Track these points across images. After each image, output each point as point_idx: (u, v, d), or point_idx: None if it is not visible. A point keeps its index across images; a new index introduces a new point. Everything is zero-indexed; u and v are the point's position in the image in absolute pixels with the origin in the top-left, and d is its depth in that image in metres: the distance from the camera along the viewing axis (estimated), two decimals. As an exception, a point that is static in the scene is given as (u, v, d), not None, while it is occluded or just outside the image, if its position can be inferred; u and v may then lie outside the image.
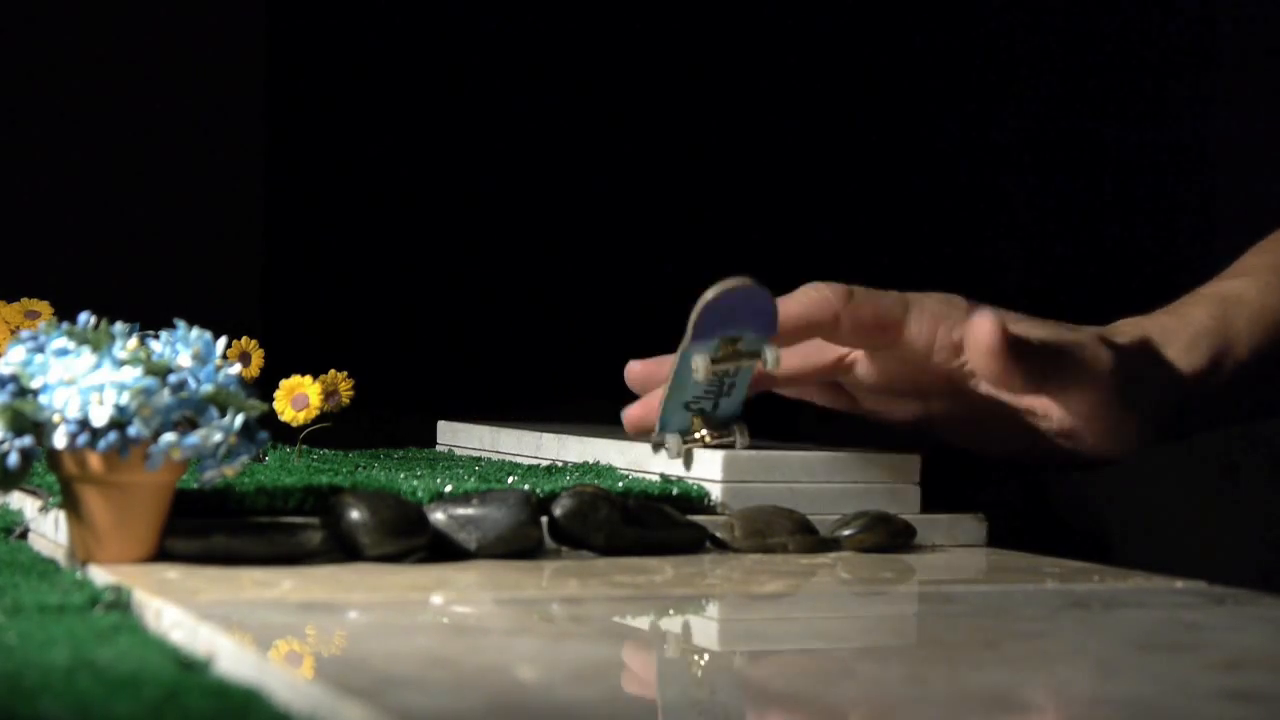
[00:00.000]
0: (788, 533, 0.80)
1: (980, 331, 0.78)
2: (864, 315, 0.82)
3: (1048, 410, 0.84)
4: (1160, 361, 0.88)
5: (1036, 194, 1.65)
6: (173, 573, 0.67)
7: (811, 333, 0.82)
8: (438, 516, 0.74)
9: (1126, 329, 0.89)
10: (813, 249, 1.66)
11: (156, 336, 0.69)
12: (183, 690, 0.48)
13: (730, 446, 0.83)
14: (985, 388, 0.85)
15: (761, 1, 1.71)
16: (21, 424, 0.65)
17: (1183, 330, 0.89)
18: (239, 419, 0.67)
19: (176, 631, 0.59)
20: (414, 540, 0.73)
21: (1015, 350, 0.79)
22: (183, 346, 0.68)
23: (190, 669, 0.52)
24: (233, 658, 0.54)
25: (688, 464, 0.84)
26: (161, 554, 0.69)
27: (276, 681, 0.51)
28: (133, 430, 0.65)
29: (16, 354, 0.67)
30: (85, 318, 0.69)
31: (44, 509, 0.76)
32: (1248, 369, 0.90)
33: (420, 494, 0.77)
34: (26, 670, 0.50)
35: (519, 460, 0.98)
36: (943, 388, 0.87)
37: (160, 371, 0.67)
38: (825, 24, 1.68)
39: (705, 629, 0.67)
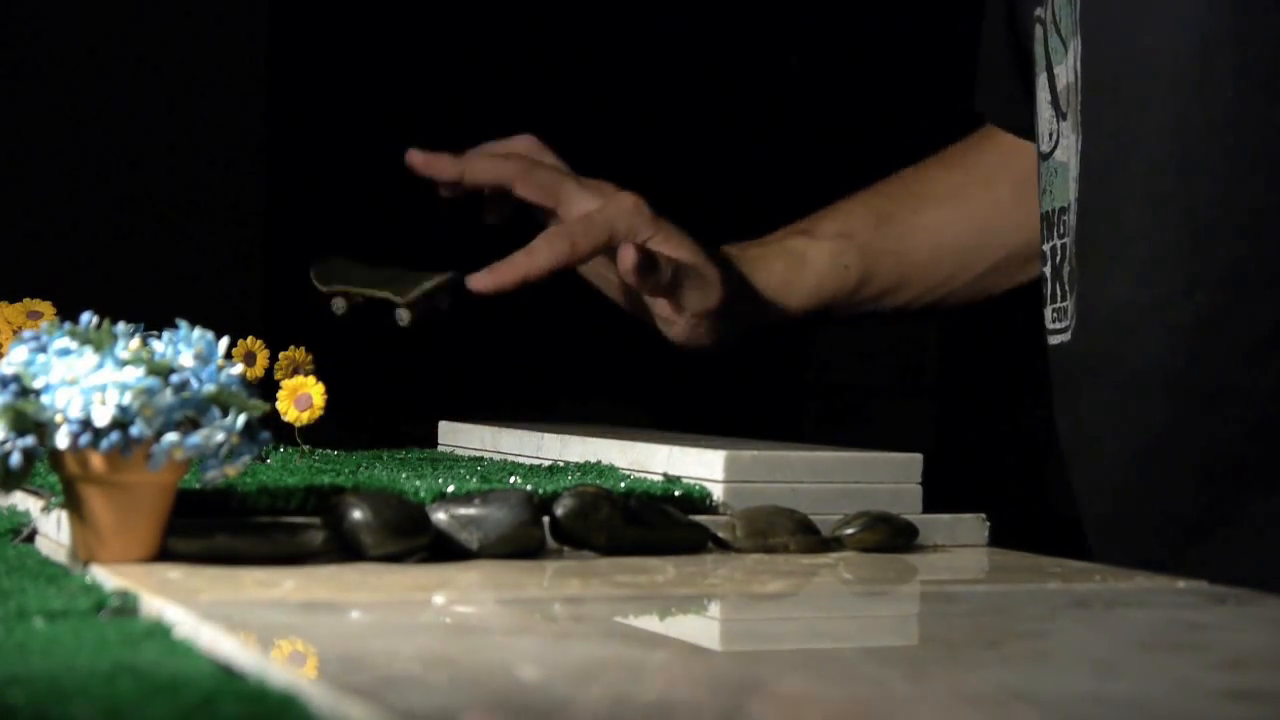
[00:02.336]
0: (789, 533, 0.80)
1: (623, 258, 1.03)
2: (583, 250, 1.07)
3: (659, 304, 1.11)
4: (746, 297, 1.14)
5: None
6: (175, 573, 0.67)
7: (556, 270, 1.07)
8: (439, 516, 0.74)
9: (730, 262, 1.13)
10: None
11: (159, 337, 0.69)
12: (219, 695, 0.48)
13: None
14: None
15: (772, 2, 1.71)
16: (24, 424, 0.65)
17: (761, 277, 1.15)
18: (241, 419, 0.67)
19: (209, 638, 0.59)
20: (416, 540, 0.73)
21: (644, 272, 1.05)
22: (185, 346, 0.68)
23: (229, 675, 0.52)
24: (235, 658, 0.54)
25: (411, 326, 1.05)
26: (164, 554, 0.69)
27: (277, 681, 0.51)
28: (135, 430, 0.65)
29: (19, 354, 0.67)
30: (87, 318, 0.69)
31: (46, 509, 0.76)
32: (792, 313, 1.17)
33: (422, 494, 0.77)
34: (64, 674, 0.50)
35: (520, 460, 0.98)
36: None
37: (162, 371, 0.67)
38: (826, 25, 1.68)
39: (707, 629, 0.67)
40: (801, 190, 1.61)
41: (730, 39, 1.72)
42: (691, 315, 1.11)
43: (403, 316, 1.04)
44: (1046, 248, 1.05)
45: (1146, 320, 0.96)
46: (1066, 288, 1.02)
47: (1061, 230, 1.03)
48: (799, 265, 1.17)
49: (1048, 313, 1.06)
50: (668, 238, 1.10)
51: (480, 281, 1.08)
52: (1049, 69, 1.04)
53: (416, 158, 1.15)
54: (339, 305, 1.06)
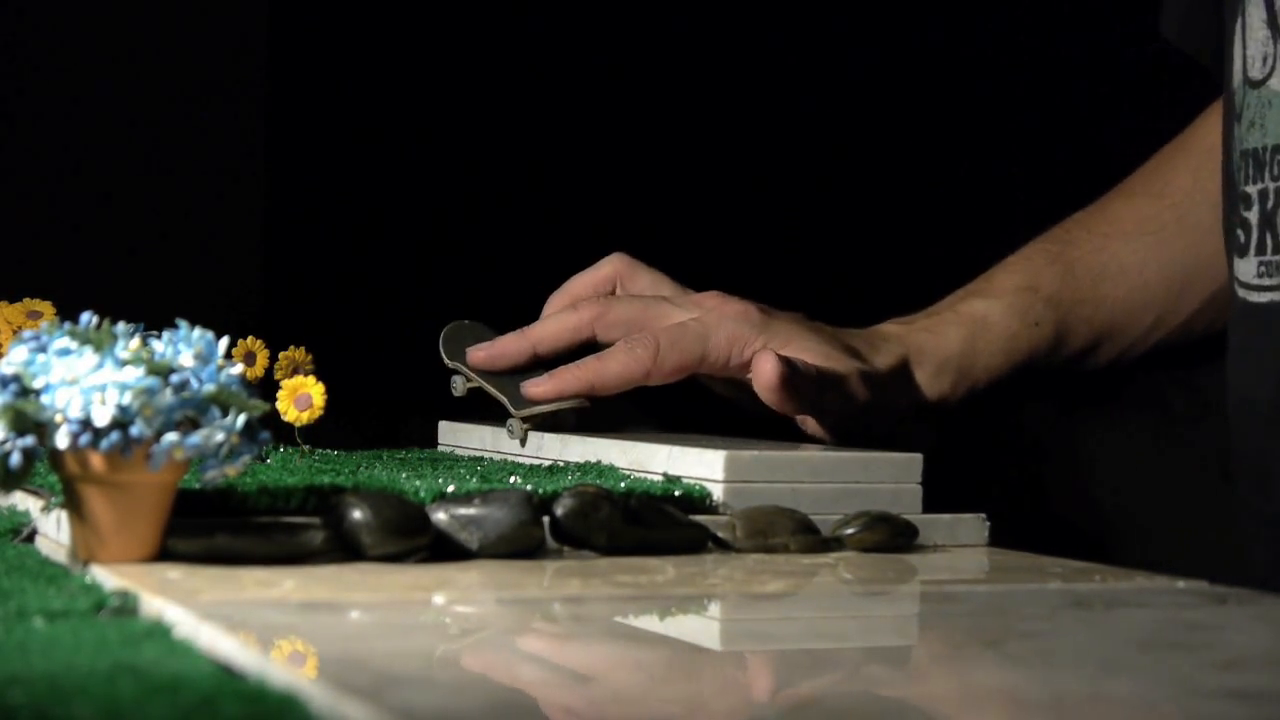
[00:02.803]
0: (789, 532, 0.80)
1: (761, 372, 0.91)
2: (670, 365, 0.94)
3: (805, 421, 0.97)
4: (910, 384, 1.01)
5: (1044, 188, 1.65)
6: (175, 572, 0.67)
7: (632, 385, 0.96)
8: (439, 516, 0.74)
9: (887, 350, 1.00)
10: (813, 251, 1.66)
11: (159, 336, 0.69)
12: (219, 695, 0.48)
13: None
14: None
15: (779, 6, 1.71)
16: (24, 424, 0.65)
17: (935, 353, 1.01)
18: (241, 419, 0.67)
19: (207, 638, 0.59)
20: (416, 540, 0.73)
21: (789, 387, 0.91)
22: (185, 346, 0.68)
23: (229, 675, 0.52)
24: (235, 658, 0.54)
25: (524, 444, 0.98)
26: (164, 554, 0.69)
27: (278, 681, 0.51)
28: (135, 430, 0.65)
29: (19, 354, 0.67)
30: (87, 318, 0.69)
31: (46, 509, 0.76)
32: (979, 389, 1.03)
33: (422, 494, 0.77)
34: (64, 674, 0.50)
35: (520, 460, 0.98)
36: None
37: (162, 371, 0.67)
38: (835, 26, 1.69)
39: (707, 629, 0.67)
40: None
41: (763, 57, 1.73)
42: (835, 422, 0.96)
43: (514, 429, 0.98)
44: (1252, 190, 0.92)
45: None
46: (1278, 238, 0.91)
47: (1275, 171, 0.90)
48: (981, 330, 1.02)
49: (1249, 266, 0.92)
50: (785, 343, 0.96)
51: (537, 389, 0.96)
52: None
53: (479, 356, 0.99)
54: (458, 387, 1.00)
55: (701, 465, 0.85)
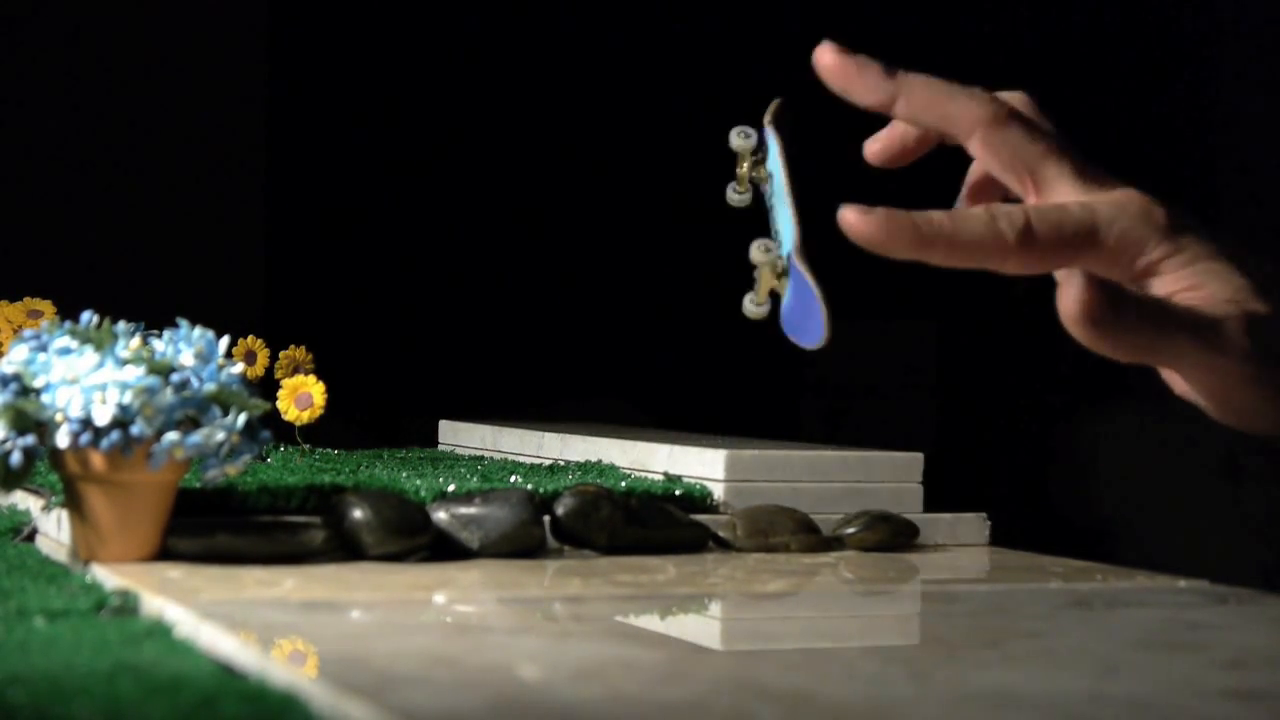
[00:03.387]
0: (790, 532, 0.80)
1: (1066, 301, 0.68)
2: (1036, 252, 0.70)
3: (1172, 380, 0.74)
4: None
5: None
6: (175, 572, 0.67)
7: (979, 265, 0.71)
8: (440, 516, 0.74)
9: None
10: (814, 252, 1.66)
11: (159, 336, 0.69)
12: (220, 695, 0.48)
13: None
14: None
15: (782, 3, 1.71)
16: (24, 423, 0.65)
17: None
18: (241, 418, 0.67)
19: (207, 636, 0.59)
20: (416, 539, 0.73)
21: (1109, 321, 0.68)
22: (185, 346, 0.68)
23: (229, 674, 0.52)
24: (235, 657, 0.54)
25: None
26: (164, 553, 0.69)
27: (278, 680, 0.51)
28: (135, 429, 0.65)
29: (19, 353, 0.67)
30: (88, 317, 0.69)
31: (47, 508, 0.76)
32: None
33: (423, 493, 0.77)
34: (64, 673, 0.50)
35: (521, 460, 0.98)
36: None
37: (163, 371, 0.67)
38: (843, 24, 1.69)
39: (707, 628, 0.67)
40: None
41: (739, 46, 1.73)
42: (1208, 390, 0.72)
43: (765, 271, 0.74)
44: None
45: None
46: None
47: None
48: None
49: None
50: (1192, 259, 0.72)
51: (857, 219, 0.68)
52: None
53: (827, 55, 0.72)
54: (736, 197, 0.78)
55: (702, 464, 0.85)
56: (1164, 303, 0.71)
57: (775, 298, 0.74)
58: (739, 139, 0.78)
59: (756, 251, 0.74)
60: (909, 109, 0.73)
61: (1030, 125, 0.73)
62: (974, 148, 0.73)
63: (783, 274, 0.74)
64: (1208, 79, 1.66)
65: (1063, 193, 0.73)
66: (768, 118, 0.79)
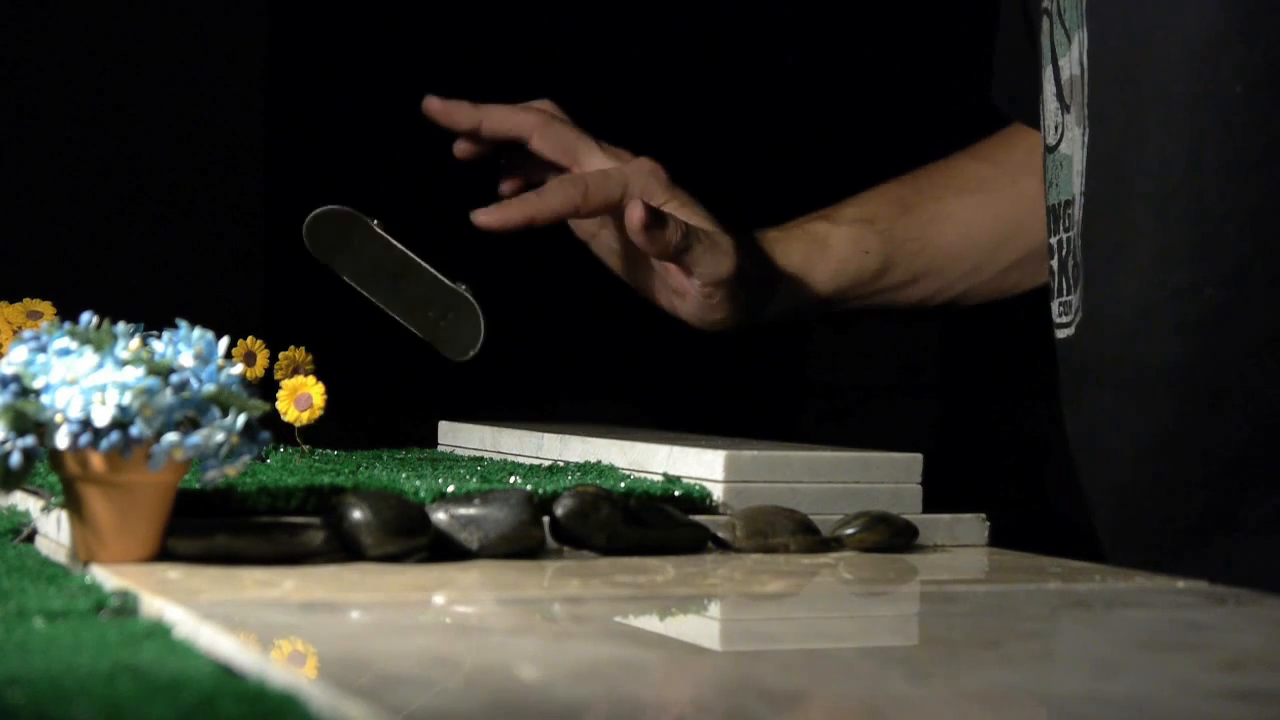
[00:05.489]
0: (789, 533, 0.80)
1: (630, 218, 1.01)
2: (594, 202, 1.05)
3: (675, 278, 1.08)
4: (758, 282, 1.11)
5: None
6: (174, 573, 0.67)
7: (564, 218, 1.07)
8: (439, 516, 0.74)
9: (748, 243, 1.10)
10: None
11: (159, 337, 0.69)
12: (219, 695, 0.48)
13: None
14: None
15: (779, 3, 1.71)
16: (24, 424, 0.65)
17: (780, 259, 1.13)
18: (241, 419, 0.67)
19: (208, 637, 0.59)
20: (416, 540, 0.73)
21: (652, 228, 1.01)
22: (185, 346, 0.68)
23: (229, 675, 0.52)
24: (235, 658, 0.54)
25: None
26: (163, 554, 0.69)
27: (277, 681, 0.51)
28: (135, 430, 0.65)
29: (19, 354, 0.67)
30: (87, 318, 0.69)
31: (46, 509, 0.76)
32: (809, 300, 1.15)
33: (422, 494, 0.77)
34: (64, 674, 0.50)
35: (520, 460, 0.98)
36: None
37: (162, 371, 0.67)
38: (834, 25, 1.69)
39: (707, 629, 0.67)
40: (815, 186, 1.62)
41: (736, 33, 1.73)
42: (704, 286, 1.07)
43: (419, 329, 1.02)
44: (1053, 241, 1.04)
45: (1152, 317, 0.95)
46: (1071, 282, 1.02)
47: (1066, 224, 1.02)
48: (819, 249, 1.15)
49: (1054, 307, 1.05)
50: (683, 205, 1.08)
51: (486, 216, 1.06)
52: (1054, 61, 1.03)
53: (434, 104, 1.12)
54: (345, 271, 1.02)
55: (701, 465, 0.85)
56: (689, 224, 1.04)
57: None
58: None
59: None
60: (490, 126, 1.10)
61: (566, 123, 1.10)
62: (534, 143, 1.09)
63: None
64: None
65: (597, 164, 1.08)
66: (312, 248, 1.02)
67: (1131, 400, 0.98)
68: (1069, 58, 1.01)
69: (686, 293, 1.08)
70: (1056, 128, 1.03)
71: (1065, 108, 1.01)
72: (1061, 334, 1.03)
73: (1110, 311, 0.98)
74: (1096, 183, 0.98)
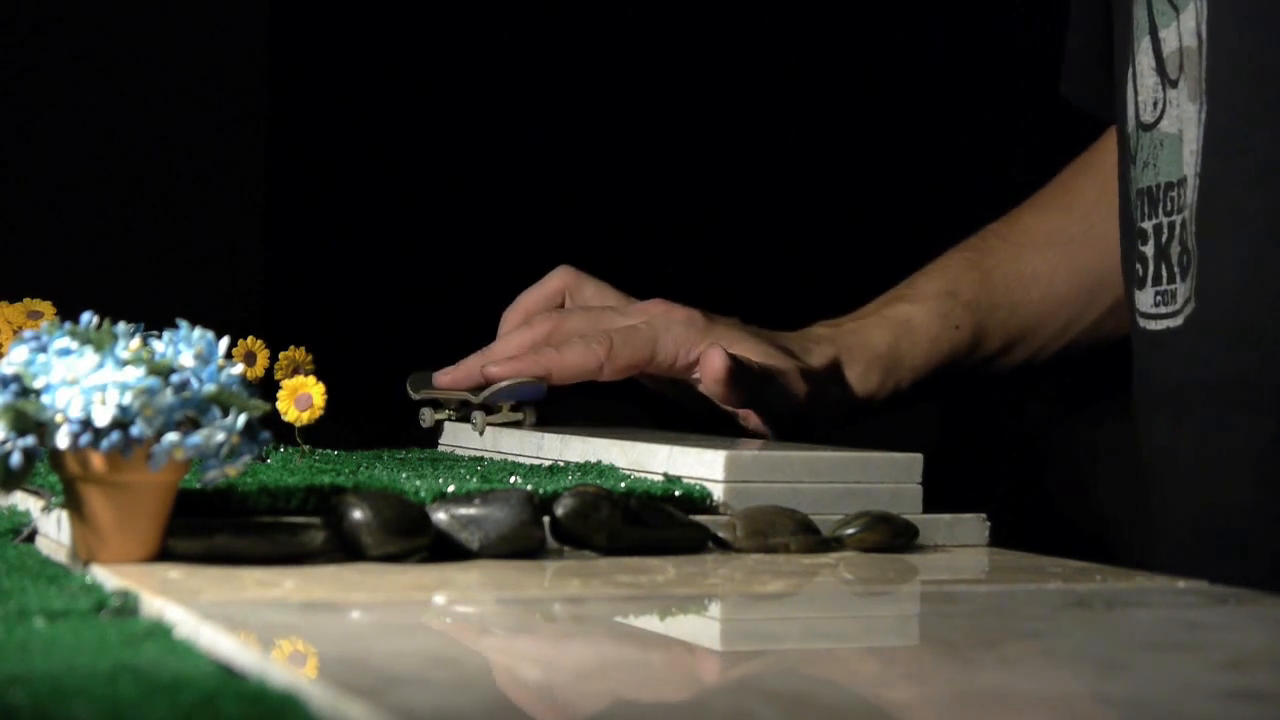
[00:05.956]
0: (789, 532, 0.80)
1: (711, 366, 0.97)
2: (621, 362, 1.01)
3: (748, 416, 1.02)
4: (840, 382, 1.07)
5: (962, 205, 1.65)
6: (175, 572, 0.67)
7: (585, 378, 1.02)
8: (440, 516, 0.74)
9: (820, 350, 1.06)
10: (808, 251, 1.66)
11: (159, 336, 0.69)
12: (220, 695, 0.48)
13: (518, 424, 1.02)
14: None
15: (772, 10, 1.71)
16: (24, 424, 0.65)
17: (863, 352, 1.08)
18: (241, 419, 0.67)
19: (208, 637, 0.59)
20: (416, 540, 0.73)
21: (734, 380, 0.97)
22: (185, 346, 0.68)
23: (229, 675, 0.52)
24: (235, 658, 0.54)
25: (481, 433, 1.03)
26: (164, 554, 0.69)
27: (278, 681, 0.51)
28: (135, 430, 0.65)
29: (19, 354, 0.67)
30: (88, 318, 0.69)
31: (46, 509, 0.76)
32: (904, 388, 1.09)
33: (422, 494, 0.77)
34: (64, 674, 0.50)
35: (521, 460, 0.98)
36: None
37: (163, 371, 0.67)
38: (831, 33, 1.69)
39: (707, 629, 0.67)
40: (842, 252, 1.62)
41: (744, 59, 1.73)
42: (775, 417, 1.01)
43: (477, 420, 1.02)
44: (1147, 225, 0.98)
45: (1270, 304, 0.90)
46: (1177, 269, 0.95)
47: (1169, 206, 0.95)
48: (906, 333, 1.08)
49: (1145, 296, 0.98)
50: (733, 343, 1.02)
51: (497, 369, 1.01)
52: (1153, 33, 0.96)
53: (444, 379, 1.05)
54: (426, 418, 1.06)
55: (701, 465, 0.84)
56: (761, 364, 1.00)
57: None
58: (428, 419, 1.07)
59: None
60: (498, 375, 1.01)
61: (575, 311, 1.05)
62: (553, 342, 1.03)
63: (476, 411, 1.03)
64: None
65: (625, 324, 1.02)
66: (410, 393, 1.06)
67: (1251, 401, 0.92)
68: (1174, 28, 0.95)
69: (764, 431, 1.03)
70: (1155, 104, 0.96)
71: (1170, 82, 0.95)
72: (1158, 325, 0.96)
73: (1227, 302, 0.92)
74: (1214, 161, 0.93)
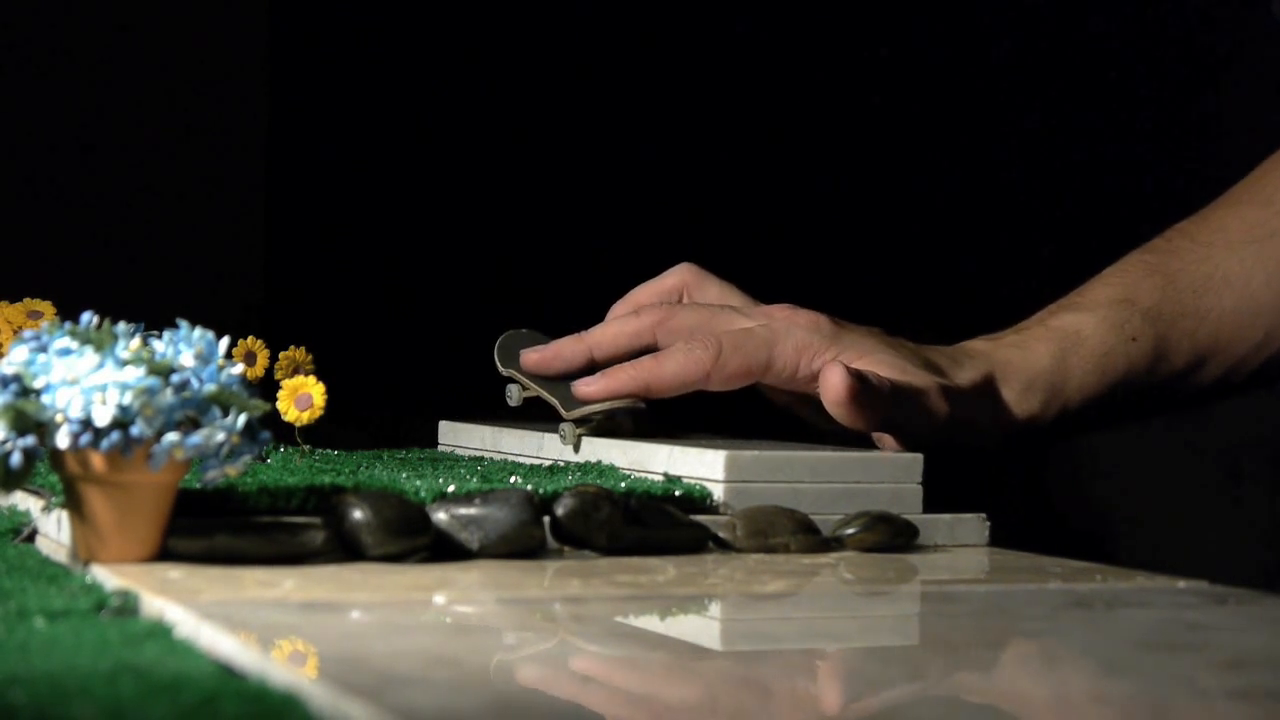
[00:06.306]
0: (790, 532, 0.80)
1: (829, 384, 0.84)
2: (732, 369, 0.89)
3: (882, 439, 0.89)
4: (995, 403, 0.94)
5: (1038, 205, 1.64)
6: (175, 572, 0.67)
7: (688, 389, 0.90)
8: (440, 516, 0.74)
9: (971, 366, 0.93)
10: (810, 252, 1.66)
11: (159, 336, 0.69)
12: (220, 695, 0.48)
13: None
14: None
15: (774, 7, 1.71)
16: (24, 424, 0.65)
17: (1023, 369, 0.94)
18: (241, 419, 0.67)
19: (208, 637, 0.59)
20: (416, 540, 0.73)
21: (860, 400, 0.85)
22: (185, 346, 0.68)
23: (230, 674, 0.52)
24: (235, 657, 0.54)
25: (577, 449, 0.94)
26: (164, 554, 0.69)
27: (278, 681, 0.51)
28: (135, 430, 0.65)
29: (19, 354, 0.67)
30: (88, 317, 0.69)
31: (46, 509, 0.76)
32: (1072, 410, 0.95)
33: (423, 494, 0.77)
34: (65, 674, 0.50)
35: (521, 460, 0.98)
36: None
37: (163, 371, 0.67)
38: (834, 30, 1.68)
39: (707, 629, 0.67)
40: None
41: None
42: (914, 440, 0.88)
43: (566, 433, 0.93)
44: None
45: None
46: None
47: None
48: (1073, 346, 0.94)
49: None
50: (858, 356, 0.89)
51: (588, 388, 0.90)
52: None
53: (532, 359, 0.94)
54: (513, 396, 0.96)
55: (702, 465, 0.84)
56: (892, 381, 0.87)
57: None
58: (514, 398, 0.97)
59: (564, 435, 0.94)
60: (605, 354, 0.93)
61: (692, 306, 0.92)
62: (662, 344, 0.91)
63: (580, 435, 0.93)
64: (1209, 78, 1.65)
65: (742, 325, 0.89)
66: (499, 365, 0.97)
67: None
68: None
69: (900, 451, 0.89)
70: None
71: None
72: None
73: None
74: None
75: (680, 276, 0.96)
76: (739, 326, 0.90)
